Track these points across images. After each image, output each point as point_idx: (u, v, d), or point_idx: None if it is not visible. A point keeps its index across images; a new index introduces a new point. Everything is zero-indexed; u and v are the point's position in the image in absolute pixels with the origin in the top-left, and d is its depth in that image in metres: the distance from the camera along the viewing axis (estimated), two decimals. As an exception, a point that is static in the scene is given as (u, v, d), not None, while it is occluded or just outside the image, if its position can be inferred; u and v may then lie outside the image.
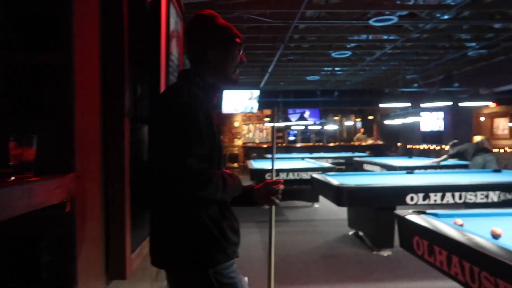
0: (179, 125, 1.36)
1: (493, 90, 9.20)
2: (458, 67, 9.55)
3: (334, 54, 7.98)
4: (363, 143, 14.46)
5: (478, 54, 8.09)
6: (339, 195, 4.33)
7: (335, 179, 4.74)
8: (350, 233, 5.33)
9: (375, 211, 4.47)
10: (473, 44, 7.31)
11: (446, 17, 5.67)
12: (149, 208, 1.58)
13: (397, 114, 10.10)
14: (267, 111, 16.70)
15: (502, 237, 2.02)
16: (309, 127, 16.25)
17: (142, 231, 2.17)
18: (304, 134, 18.03)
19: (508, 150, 8.49)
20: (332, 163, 9.63)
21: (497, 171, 5.89)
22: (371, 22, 5.66)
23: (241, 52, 1.62)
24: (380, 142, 14.98)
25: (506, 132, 14.84)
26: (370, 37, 6.98)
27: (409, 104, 8.62)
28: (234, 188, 1.48)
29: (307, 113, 16.22)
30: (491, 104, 9.80)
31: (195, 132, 1.37)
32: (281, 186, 1.63)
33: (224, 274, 1.43)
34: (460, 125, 10.84)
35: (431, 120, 12.87)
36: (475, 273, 1.75)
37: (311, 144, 16.13)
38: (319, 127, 15.76)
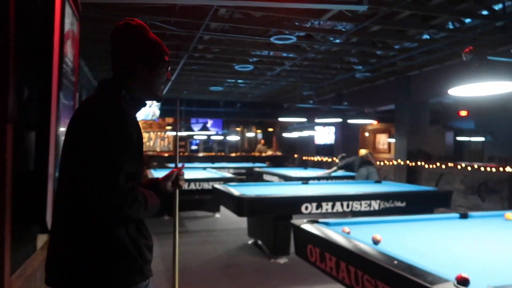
0: (112, 141, 1.31)
1: (376, 109, 10.33)
2: (347, 87, 10.52)
3: (237, 67, 8.19)
4: (263, 154, 14.99)
5: (364, 77, 9.01)
6: (239, 205, 4.41)
7: (236, 190, 4.83)
8: (250, 242, 5.46)
9: (273, 220, 4.66)
10: (360, 67, 8.13)
11: (337, 41, 6.22)
12: (53, 225, 1.44)
13: (295, 128, 10.71)
14: (169, 119, 16.37)
15: (381, 243, 2.26)
16: (212, 137, 16.33)
17: (25, 248, 1.96)
18: (207, 144, 18.06)
19: (388, 163, 9.56)
20: (234, 173, 9.78)
21: (378, 182, 6.59)
22: (272, 39, 5.95)
23: (168, 69, 1.60)
24: (279, 153, 15.68)
25: (386, 146, 16.74)
26: (271, 53, 7.33)
27: (305, 119, 9.20)
28: (154, 207, 1.48)
29: (209, 123, 16.29)
30: (374, 121, 10.97)
31: (128, 150, 1.34)
32: (183, 172, 1.74)
33: None
34: (349, 140, 11.91)
35: (324, 134, 13.91)
36: (359, 276, 1.93)
37: (213, 154, 16.21)
38: (221, 137, 15.93)
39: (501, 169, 6.71)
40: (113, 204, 1.29)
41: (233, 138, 15.95)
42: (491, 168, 6.94)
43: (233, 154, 15.30)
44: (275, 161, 13.60)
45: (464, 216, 3.23)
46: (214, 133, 15.52)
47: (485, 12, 5.05)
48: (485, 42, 5.99)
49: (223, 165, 11.17)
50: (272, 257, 4.70)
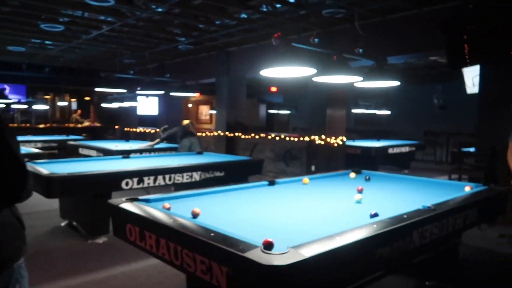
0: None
1: (198, 82, 10.57)
2: (170, 58, 10.41)
3: (43, 26, 7.11)
4: (80, 125, 13.70)
5: (187, 49, 9.06)
6: (49, 186, 3.93)
7: (44, 168, 4.28)
8: (63, 224, 4.98)
9: (90, 199, 4.34)
10: (183, 39, 8.12)
11: (160, 9, 6.03)
12: None
13: (115, 98, 10.07)
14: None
15: (201, 216, 2.37)
16: (13, 106, 13.93)
17: None
18: (6, 114, 15.35)
19: (209, 133, 9.99)
20: (43, 148, 8.67)
21: (200, 153, 6.83)
22: (86, -1, 5.36)
23: None
24: (97, 125, 14.58)
25: (208, 117, 17.45)
26: (86, 14, 6.60)
27: (125, 90, 8.75)
28: None
29: (7, 89, 13.80)
30: (197, 94, 11.24)
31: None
32: None
33: (22, 266, 1.43)
34: (172, 111, 11.92)
35: (147, 105, 13.55)
36: (178, 251, 1.98)
37: (16, 125, 13.91)
38: (25, 106, 13.75)
39: (301, 138, 7.84)
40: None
41: (41, 107, 13.96)
42: (294, 138, 8.02)
43: (41, 126, 13.46)
44: (93, 133, 12.61)
45: (272, 183, 3.65)
46: (15, 101, 13.28)
47: (292, 0, 5.65)
48: (292, 27, 6.76)
49: (29, 138, 9.73)
50: (89, 237, 4.41)
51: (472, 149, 6.91)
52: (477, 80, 6.21)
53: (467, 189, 3.41)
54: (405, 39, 6.21)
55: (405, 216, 2.34)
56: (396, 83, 4.28)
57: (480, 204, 3.11)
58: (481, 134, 5.83)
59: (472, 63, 5.63)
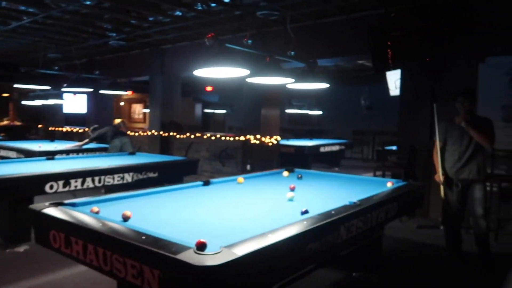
0: None
1: (131, 80, 10.19)
2: (100, 54, 9.92)
3: (-48, 14, 6.43)
4: (-4, 124, 12.60)
5: (118, 45, 8.69)
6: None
7: (-47, 172, 3.88)
8: (-23, 232, 4.54)
9: (9, 204, 4.01)
10: (114, 34, 7.78)
11: (88, 2, 5.73)
12: None
13: (38, 95, 9.37)
14: None
15: (132, 219, 2.29)
16: None
17: None
18: None
19: (142, 133, 9.69)
20: (-49, 149, 7.83)
21: (132, 153, 6.60)
22: (3, -13, 4.93)
23: None
24: (17, 123, 13.49)
25: (141, 116, 16.90)
26: (4, 4, 6.07)
27: (49, 87, 8.18)
28: None
29: None
30: (129, 92, 10.84)
31: None
32: None
33: None
34: (102, 109, 11.36)
35: (75, 102, 12.78)
36: (107, 256, 1.90)
37: None
38: None
39: (237, 138, 7.89)
40: None
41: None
42: (229, 137, 8.05)
43: (-50, 124, 12.16)
44: (12, 133, 11.65)
45: (206, 183, 3.63)
46: None
47: (227, 0, 5.67)
48: (227, 27, 6.77)
49: None
50: (9, 246, 4.07)
51: (394, 147, 7.43)
52: (398, 83, 6.69)
53: (389, 185, 3.66)
54: (334, 43, 6.51)
55: (333, 212, 2.46)
56: (326, 85, 4.47)
57: (400, 198, 3.36)
58: (402, 134, 6.29)
59: (394, 67, 6.08)
